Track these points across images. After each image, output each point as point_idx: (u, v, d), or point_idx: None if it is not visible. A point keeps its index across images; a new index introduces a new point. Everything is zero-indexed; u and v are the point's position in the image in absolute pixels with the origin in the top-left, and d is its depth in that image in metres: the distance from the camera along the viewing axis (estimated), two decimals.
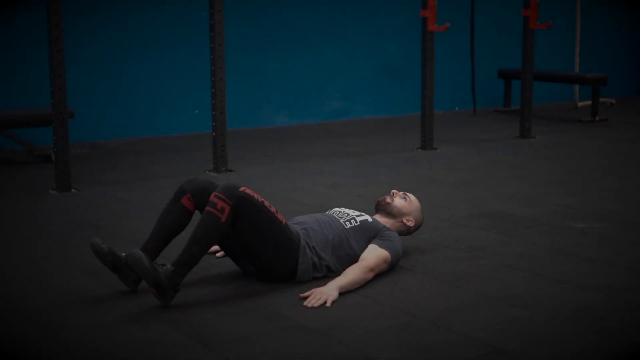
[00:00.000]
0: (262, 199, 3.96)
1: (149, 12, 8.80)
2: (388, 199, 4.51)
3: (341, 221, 4.26)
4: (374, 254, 4.11)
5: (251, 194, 3.91)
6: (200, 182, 4.10)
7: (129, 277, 3.95)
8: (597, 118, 9.90)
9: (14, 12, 8.05)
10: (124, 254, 3.97)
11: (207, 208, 3.84)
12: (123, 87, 8.73)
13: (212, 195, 3.86)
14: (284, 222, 4.02)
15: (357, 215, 4.32)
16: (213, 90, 6.63)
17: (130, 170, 7.09)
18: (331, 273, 4.12)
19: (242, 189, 3.90)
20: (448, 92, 10.62)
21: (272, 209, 3.97)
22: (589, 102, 10.55)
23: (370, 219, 4.33)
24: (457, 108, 10.98)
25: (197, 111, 9.06)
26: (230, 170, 6.91)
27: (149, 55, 8.83)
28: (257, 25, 9.44)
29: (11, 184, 6.53)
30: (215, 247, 4.56)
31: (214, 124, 6.72)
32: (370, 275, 4.06)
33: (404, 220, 4.47)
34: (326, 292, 3.83)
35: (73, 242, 4.85)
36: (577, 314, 3.68)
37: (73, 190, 6.22)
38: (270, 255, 3.98)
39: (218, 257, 4.49)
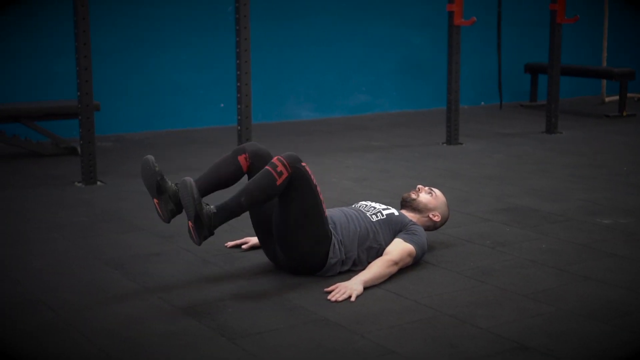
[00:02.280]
0: (316, 184, 3.95)
1: (175, 6, 8.83)
2: (413, 195, 4.49)
3: (368, 214, 4.25)
4: (399, 248, 4.11)
5: (310, 172, 3.92)
6: (261, 149, 4.17)
7: (167, 206, 3.91)
8: (624, 113, 9.82)
9: (40, 5, 8.10)
10: (175, 183, 3.95)
11: (267, 167, 3.84)
12: (149, 80, 8.77)
13: (274, 158, 3.87)
14: (325, 214, 4.01)
15: (384, 209, 4.31)
16: (238, 83, 6.63)
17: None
18: (357, 266, 4.12)
19: (303, 163, 3.91)
20: (474, 86, 10.59)
21: (321, 197, 3.97)
22: (616, 97, 10.46)
23: (396, 213, 4.32)
24: (482, 103, 10.93)
25: (222, 105, 9.08)
26: None
27: (174, 49, 8.86)
28: (282, 19, 9.45)
29: (37, 176, 6.57)
30: (242, 240, 4.58)
31: (239, 117, 6.72)
32: (395, 268, 4.05)
33: (430, 216, 4.46)
34: (351, 287, 3.83)
35: (98, 234, 4.88)
36: (602, 309, 3.66)
37: (98, 182, 6.25)
38: (305, 244, 3.96)
39: (244, 249, 4.50)
